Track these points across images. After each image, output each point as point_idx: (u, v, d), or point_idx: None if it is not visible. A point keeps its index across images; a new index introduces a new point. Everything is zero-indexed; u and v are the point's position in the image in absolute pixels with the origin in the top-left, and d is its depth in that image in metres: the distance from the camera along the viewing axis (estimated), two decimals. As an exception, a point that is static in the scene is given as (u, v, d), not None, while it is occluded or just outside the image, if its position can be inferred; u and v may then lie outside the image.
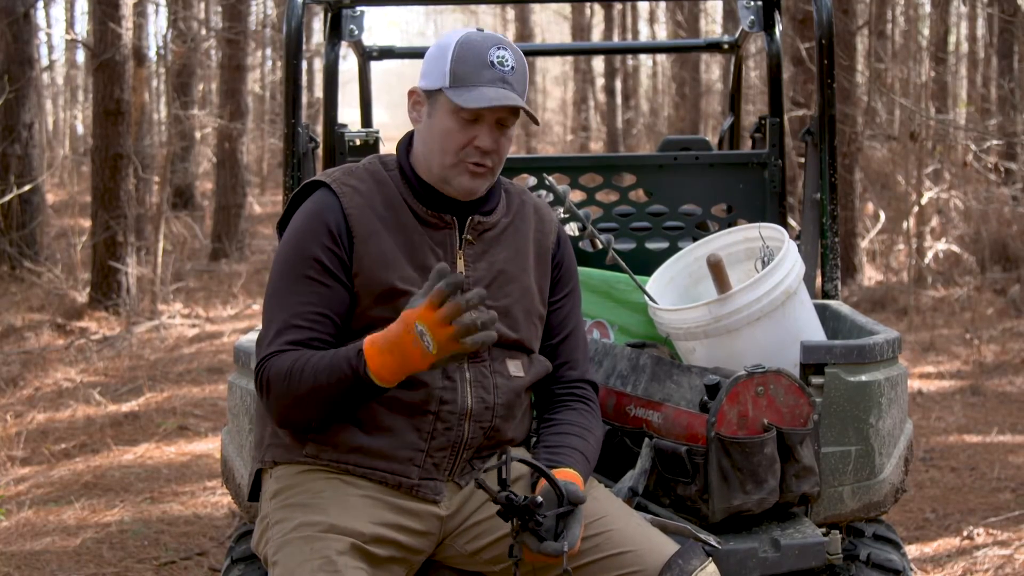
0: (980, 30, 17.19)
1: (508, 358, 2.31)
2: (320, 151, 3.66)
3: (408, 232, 2.27)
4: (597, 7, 22.46)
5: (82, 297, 9.66)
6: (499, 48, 2.23)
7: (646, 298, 3.00)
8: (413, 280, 2.23)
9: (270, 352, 2.19)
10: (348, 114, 3.99)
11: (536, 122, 2.28)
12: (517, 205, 2.41)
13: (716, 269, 2.89)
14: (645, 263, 3.38)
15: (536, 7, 22.78)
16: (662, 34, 24.95)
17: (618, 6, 21.60)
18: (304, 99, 14.82)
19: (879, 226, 11.70)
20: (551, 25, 30.59)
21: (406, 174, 2.31)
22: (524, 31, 24.39)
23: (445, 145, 2.24)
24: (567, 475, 2.18)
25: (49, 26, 22.42)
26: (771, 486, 2.45)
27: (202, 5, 16.81)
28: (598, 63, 23.99)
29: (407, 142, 2.36)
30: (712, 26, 21.37)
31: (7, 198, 10.08)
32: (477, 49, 2.22)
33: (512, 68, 2.23)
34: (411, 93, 2.31)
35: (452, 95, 2.20)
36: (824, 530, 2.60)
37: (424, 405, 2.21)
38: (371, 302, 2.22)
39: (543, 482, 2.15)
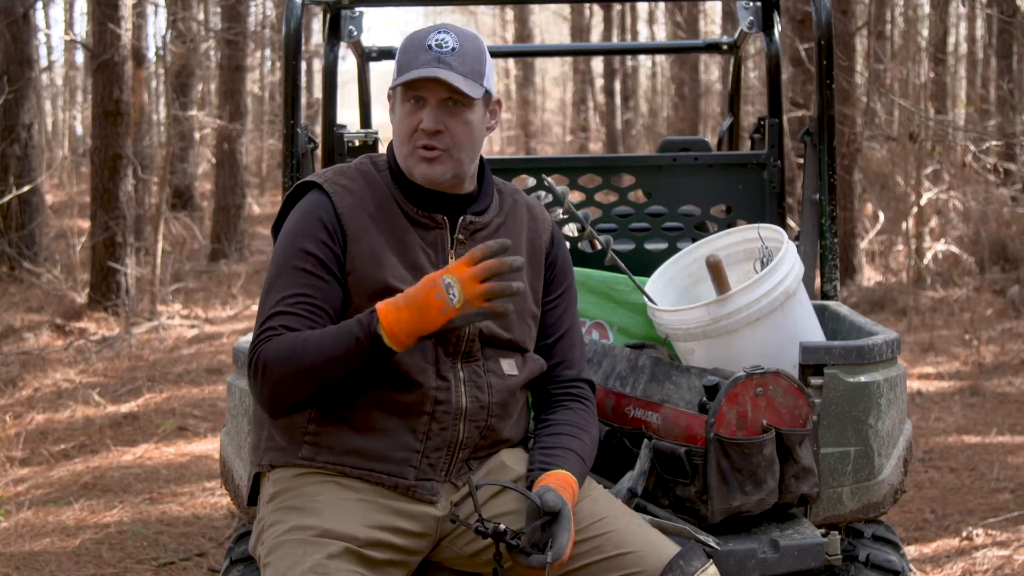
0: (979, 31, 17.20)
1: (501, 357, 2.31)
2: (319, 152, 3.67)
3: (399, 232, 2.27)
4: (596, 8, 22.46)
5: (81, 298, 9.66)
6: (439, 32, 2.25)
7: (645, 299, 3.00)
8: (406, 279, 2.23)
9: (265, 333, 2.17)
10: (347, 115, 3.99)
11: (464, 95, 2.22)
12: (510, 205, 2.40)
13: (715, 270, 2.89)
14: (644, 264, 3.38)
15: (535, 8, 22.79)
16: (661, 35, 24.96)
17: (617, 7, 21.60)
18: (303, 100, 14.81)
19: (878, 227, 11.71)
20: (550, 26, 30.59)
21: (396, 174, 2.32)
22: (523, 32, 24.41)
23: (399, 134, 2.27)
24: (560, 477, 2.19)
25: (48, 27, 22.43)
26: (770, 487, 2.45)
27: (201, 6, 16.81)
28: (597, 64, 23.99)
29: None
30: (711, 27, 21.38)
31: (6, 199, 10.08)
32: (418, 36, 2.27)
33: (453, 49, 2.23)
34: (388, 97, 2.35)
35: (393, 82, 2.26)
36: (823, 531, 2.60)
37: (418, 406, 2.21)
38: (365, 300, 2.22)
39: (537, 486, 2.17)
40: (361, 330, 2.09)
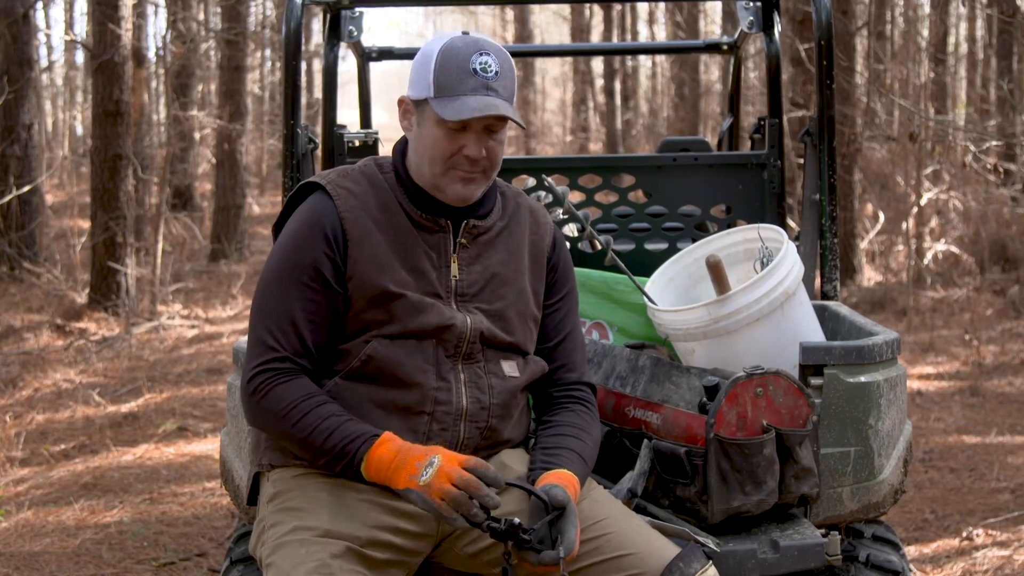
0: (979, 31, 17.20)
1: (503, 359, 2.31)
2: (319, 152, 3.67)
3: (402, 235, 2.27)
4: (596, 8, 22.47)
5: (81, 298, 9.66)
6: (482, 54, 2.22)
7: (645, 299, 3.00)
8: (406, 283, 2.23)
9: (273, 357, 2.19)
10: (347, 115, 3.99)
11: (523, 127, 2.31)
12: (512, 208, 2.41)
13: (715, 270, 2.89)
14: (644, 264, 3.38)
15: (535, 8, 22.79)
16: (661, 35, 24.97)
17: (617, 7, 21.60)
18: (303, 100, 14.82)
19: (878, 227, 11.70)
20: (550, 26, 30.59)
21: (401, 177, 2.32)
22: (523, 32, 24.40)
23: (434, 154, 2.25)
24: (561, 476, 2.18)
25: (48, 27, 22.43)
26: (770, 487, 2.45)
27: (201, 6, 16.81)
28: (597, 64, 23.99)
29: (403, 146, 2.36)
30: (711, 27, 21.39)
31: (6, 199, 10.08)
32: (460, 56, 2.21)
33: (496, 73, 2.22)
34: (400, 102, 2.32)
35: (436, 106, 2.20)
36: (823, 531, 2.60)
37: (419, 406, 2.21)
38: (364, 304, 2.22)
39: (539, 484, 2.16)
40: (352, 446, 2.13)
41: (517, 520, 2.06)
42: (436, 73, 2.22)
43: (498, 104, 2.20)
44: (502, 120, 2.24)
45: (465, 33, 2.27)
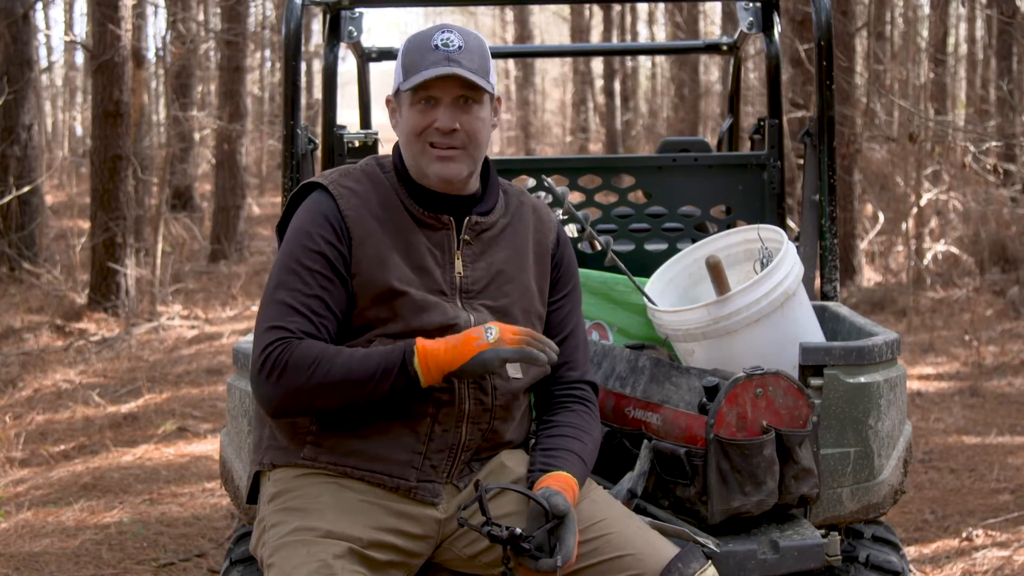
0: (979, 31, 17.21)
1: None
2: (319, 152, 3.67)
3: (405, 233, 2.27)
4: (596, 9, 22.47)
5: (81, 298, 9.66)
6: (443, 32, 2.26)
7: (645, 299, 3.00)
8: (410, 281, 2.23)
9: (286, 334, 2.15)
10: (347, 115, 3.99)
11: (478, 91, 2.26)
12: (516, 205, 2.41)
13: (715, 270, 2.89)
14: (644, 264, 3.38)
15: (535, 8, 22.79)
16: (661, 35, 24.97)
17: (617, 7, 21.60)
18: (303, 100, 14.80)
19: (878, 227, 11.71)
20: (550, 27, 30.60)
21: (402, 175, 2.32)
22: (523, 32, 24.40)
23: (410, 135, 2.27)
24: (561, 479, 2.19)
25: (48, 27, 22.44)
26: (770, 488, 2.45)
27: (201, 6, 16.81)
28: (597, 64, 23.99)
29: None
30: (711, 27, 21.40)
31: (6, 199, 10.08)
32: (421, 38, 2.27)
33: (459, 47, 2.24)
34: (387, 102, 2.35)
35: (403, 86, 2.25)
36: (823, 532, 2.60)
37: (421, 408, 2.21)
38: (369, 303, 2.22)
39: (537, 487, 2.16)
40: (395, 353, 2.13)
41: (519, 530, 2.07)
42: (403, 58, 2.27)
43: (455, 69, 2.21)
44: (472, 90, 2.24)
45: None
